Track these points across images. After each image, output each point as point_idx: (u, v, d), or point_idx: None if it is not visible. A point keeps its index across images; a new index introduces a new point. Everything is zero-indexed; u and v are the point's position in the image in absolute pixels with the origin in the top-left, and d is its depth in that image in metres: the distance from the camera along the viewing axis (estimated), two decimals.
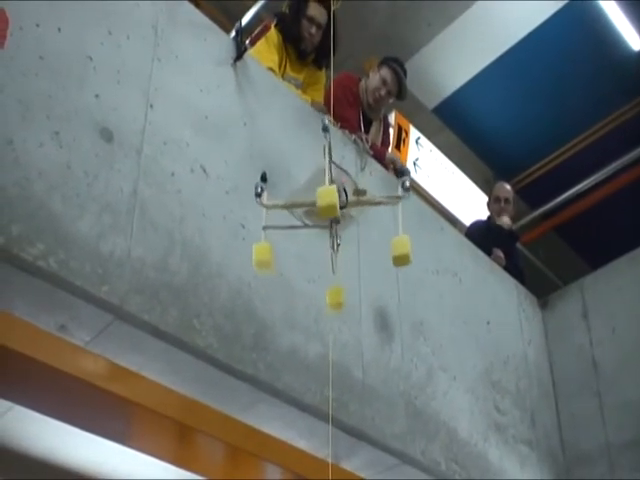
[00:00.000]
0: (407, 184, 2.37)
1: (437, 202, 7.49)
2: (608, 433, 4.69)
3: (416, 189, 6.81)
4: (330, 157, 2.32)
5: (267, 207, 2.47)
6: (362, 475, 3.68)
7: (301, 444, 3.41)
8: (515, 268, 5.54)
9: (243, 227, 3.24)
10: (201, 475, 3.51)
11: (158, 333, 2.78)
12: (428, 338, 4.08)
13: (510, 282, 5.20)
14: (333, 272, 2.48)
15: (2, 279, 2.49)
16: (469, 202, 7.86)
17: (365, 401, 3.51)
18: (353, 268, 3.65)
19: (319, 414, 3.23)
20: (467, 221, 7.07)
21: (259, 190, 2.44)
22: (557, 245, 8.88)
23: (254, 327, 3.10)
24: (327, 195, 2.20)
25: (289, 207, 2.43)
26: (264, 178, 2.49)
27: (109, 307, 2.65)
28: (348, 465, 3.60)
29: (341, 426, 3.34)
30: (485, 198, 6.66)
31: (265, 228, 2.46)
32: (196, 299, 2.92)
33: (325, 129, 2.34)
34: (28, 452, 3.43)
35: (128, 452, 3.33)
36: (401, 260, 2.28)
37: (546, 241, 8.53)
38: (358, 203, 2.45)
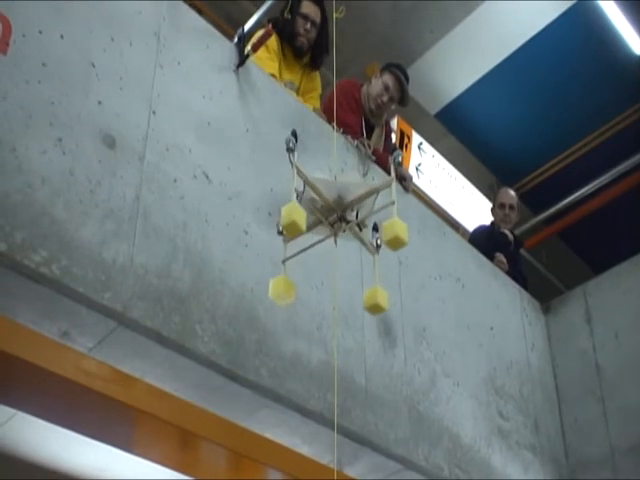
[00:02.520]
0: (399, 159, 2.38)
1: (440, 207, 7.48)
2: (612, 438, 4.69)
3: (419, 194, 6.81)
4: (302, 176, 2.31)
5: (289, 240, 2.46)
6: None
7: (304, 450, 3.41)
8: (518, 273, 5.54)
9: (246, 233, 3.24)
10: None
11: (161, 339, 2.78)
12: (431, 343, 4.08)
13: (513, 287, 5.20)
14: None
15: (5, 286, 2.50)
16: (472, 207, 7.86)
17: (368, 407, 3.51)
18: (355, 274, 3.65)
19: (322, 420, 3.23)
20: (470, 226, 7.07)
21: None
22: (560, 250, 8.87)
23: (257, 333, 3.10)
24: (290, 212, 2.18)
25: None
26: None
27: (112, 313, 2.65)
28: (351, 471, 3.60)
29: (344, 432, 3.34)
30: (488, 203, 6.67)
31: (285, 261, 2.47)
32: (199, 305, 2.93)
33: (289, 149, 2.35)
34: (31, 459, 3.43)
35: (131, 458, 3.32)
36: (395, 242, 2.26)
37: (549, 246, 8.52)
38: (357, 200, 2.44)
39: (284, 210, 2.17)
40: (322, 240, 2.40)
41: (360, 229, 2.50)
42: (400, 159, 2.38)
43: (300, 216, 2.17)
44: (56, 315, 2.63)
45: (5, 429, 3.20)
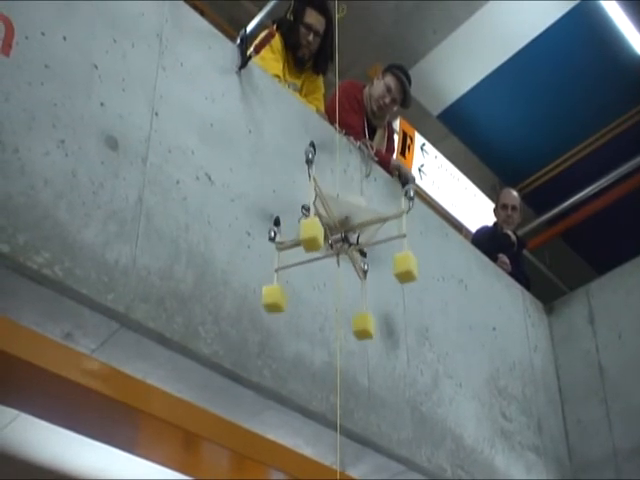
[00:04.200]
0: (411, 193, 2.37)
1: (442, 208, 7.48)
2: (615, 439, 4.68)
3: (421, 196, 6.81)
4: (317, 190, 2.30)
5: (282, 249, 2.47)
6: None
7: (307, 451, 3.41)
8: (521, 274, 5.54)
9: (249, 235, 3.24)
10: None
11: (164, 341, 2.78)
12: (434, 345, 4.07)
13: (516, 288, 5.20)
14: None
15: (8, 287, 2.50)
16: (474, 208, 7.85)
17: (371, 408, 3.51)
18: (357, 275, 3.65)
19: (325, 421, 3.23)
20: (473, 227, 7.07)
21: (272, 235, 2.45)
22: (563, 251, 8.87)
23: (260, 335, 3.11)
24: (310, 228, 2.19)
25: (297, 244, 2.41)
26: (277, 222, 2.49)
27: (115, 315, 2.65)
28: (354, 472, 3.60)
29: (347, 433, 3.34)
30: (491, 204, 6.67)
31: (277, 270, 2.46)
32: (201, 307, 2.93)
33: (309, 161, 2.34)
34: (33, 459, 3.43)
35: (133, 459, 3.32)
36: (405, 276, 2.29)
37: (552, 247, 8.52)
38: (364, 224, 2.44)
39: (304, 225, 2.16)
40: (320, 258, 2.39)
41: (362, 254, 2.52)
42: (412, 193, 2.38)
43: (319, 232, 2.17)
44: (59, 316, 2.64)
45: (8, 430, 3.20)
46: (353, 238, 2.43)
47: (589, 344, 5.06)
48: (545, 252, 8.39)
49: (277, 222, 2.52)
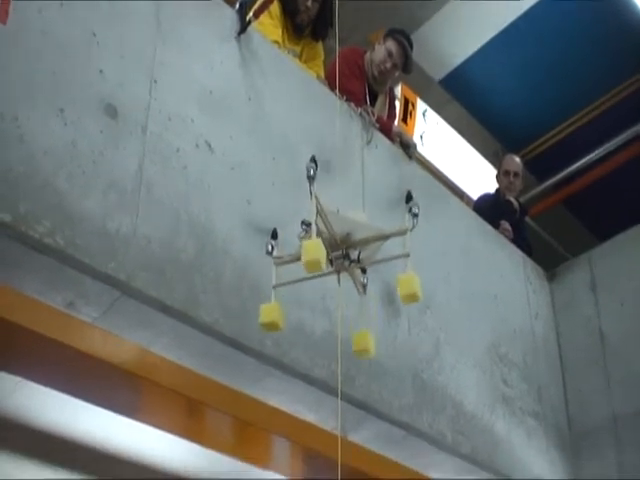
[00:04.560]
0: (415, 210, 2.35)
1: (444, 175, 7.46)
2: (615, 405, 4.71)
3: (423, 162, 6.78)
4: (318, 207, 2.27)
5: (280, 264, 2.46)
6: (370, 447, 3.70)
7: (309, 417, 3.43)
8: (523, 241, 5.53)
9: (249, 203, 3.24)
10: (210, 448, 3.53)
11: (165, 309, 2.79)
12: (435, 312, 4.08)
13: (517, 255, 5.20)
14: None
15: (10, 256, 2.51)
16: (476, 175, 7.82)
17: (372, 375, 3.53)
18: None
19: (327, 388, 3.25)
20: (474, 195, 7.05)
21: (269, 248, 2.43)
22: (565, 218, 8.84)
23: (260, 303, 3.11)
24: (313, 250, 2.13)
25: (296, 259, 2.39)
26: (275, 235, 2.47)
27: (116, 283, 2.66)
28: (356, 437, 3.63)
29: (348, 399, 3.36)
30: (493, 171, 6.64)
31: (275, 287, 2.46)
32: (202, 275, 2.93)
33: (310, 177, 2.30)
34: (38, 426, 3.46)
35: (136, 426, 3.35)
36: (410, 299, 2.29)
37: (554, 214, 8.50)
38: (367, 241, 2.42)
39: (306, 246, 2.13)
40: (320, 276, 2.38)
41: (363, 271, 2.51)
42: (417, 210, 2.36)
43: (322, 254, 2.13)
44: (61, 285, 2.65)
45: (15, 397, 3.22)
46: (354, 254, 2.41)
47: (590, 311, 5.07)
48: (547, 219, 8.36)
49: (275, 235, 2.50)
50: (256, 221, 3.22)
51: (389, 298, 3.78)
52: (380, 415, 3.55)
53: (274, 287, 2.47)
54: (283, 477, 3.82)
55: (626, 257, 5.07)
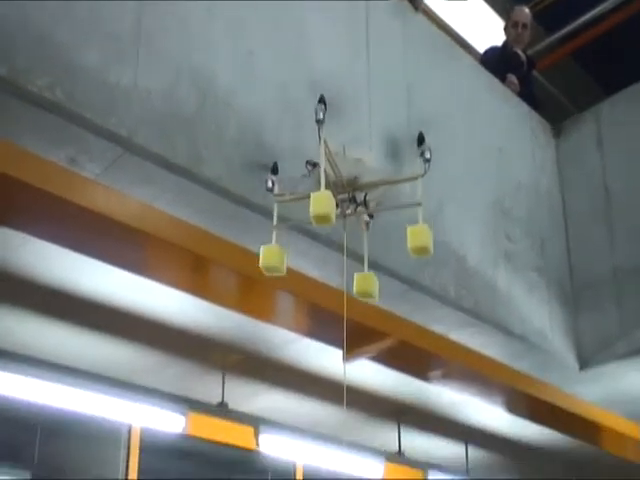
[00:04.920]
0: (427, 155, 2.24)
1: (450, 28, 7.25)
2: (617, 259, 4.74)
3: (428, 14, 6.57)
4: (326, 152, 2.16)
5: (281, 202, 2.36)
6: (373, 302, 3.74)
7: (314, 273, 3.46)
8: (529, 95, 5.43)
9: (252, 54, 3.15)
10: (216, 304, 3.58)
11: (168, 165, 2.77)
12: (439, 168, 4.04)
13: (524, 109, 5.11)
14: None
15: (10, 112, 2.46)
16: (484, 27, 7.60)
17: (376, 231, 3.52)
18: (363, 96, 3.59)
19: (332, 244, 3.26)
20: (481, 48, 6.87)
21: (270, 185, 2.33)
22: (573, 71, 8.67)
23: (264, 158, 3.08)
24: (322, 202, 2.05)
25: (299, 199, 2.30)
26: (275, 170, 2.37)
27: (118, 139, 2.63)
28: None
29: (353, 255, 3.37)
30: (501, 23, 6.45)
31: (276, 228, 2.37)
32: (204, 130, 2.89)
33: (319, 121, 2.18)
34: (44, 282, 3.50)
35: (144, 282, 3.39)
36: (420, 251, 2.21)
37: (562, 67, 8.32)
38: (375, 184, 2.32)
39: (314, 199, 2.03)
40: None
41: (370, 216, 2.42)
42: (429, 155, 2.25)
43: (331, 207, 2.05)
44: (62, 141, 2.62)
45: (20, 253, 3.25)
46: (360, 197, 2.33)
47: (596, 166, 5.03)
48: (555, 73, 8.19)
49: (275, 170, 2.39)
50: (259, 72, 3.15)
51: (393, 151, 3.74)
52: (384, 270, 3.56)
53: (275, 227, 2.40)
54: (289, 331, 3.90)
55: (635, 111, 4.98)
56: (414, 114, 3.95)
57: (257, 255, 3.26)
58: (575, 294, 4.84)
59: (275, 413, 5.21)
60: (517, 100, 5.09)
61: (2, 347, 4.02)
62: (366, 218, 2.48)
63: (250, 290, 3.47)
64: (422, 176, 2.27)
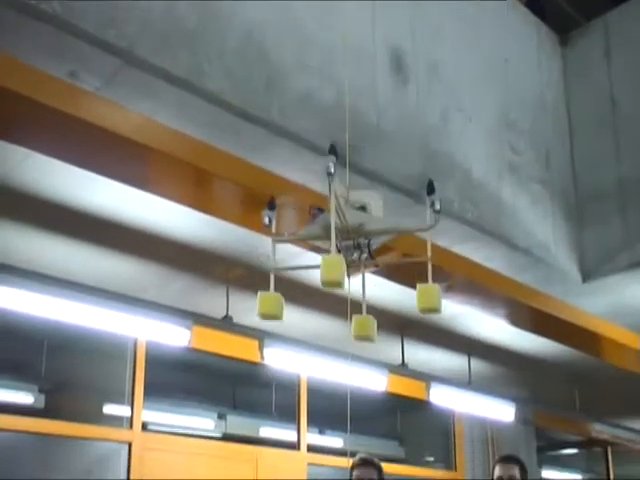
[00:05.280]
0: (437, 206, 2.18)
1: None
2: (622, 170, 4.71)
3: None
4: (336, 203, 2.10)
5: (279, 242, 2.31)
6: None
7: (316, 186, 3.44)
8: (536, 4, 5.32)
9: None
10: (219, 218, 3.58)
11: (169, 78, 2.73)
12: (444, 79, 3.99)
13: (530, 19, 5.01)
14: None
15: (7, 24, 2.41)
16: None
17: (380, 144, 3.50)
18: (366, 8, 3.51)
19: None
20: None
21: (267, 221, 2.26)
22: None
23: (266, 71, 3.03)
24: (333, 268, 2.00)
25: (298, 239, 2.25)
26: (272, 206, 2.30)
27: (118, 51, 2.58)
28: None
29: (356, 169, 3.35)
30: None
31: (275, 270, 2.38)
32: (206, 42, 2.84)
33: (329, 174, 2.11)
34: (48, 198, 3.49)
35: (147, 197, 3.38)
36: (429, 312, 2.19)
37: None
38: (384, 232, 2.28)
39: (325, 263, 2.00)
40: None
41: (372, 258, 2.38)
42: (439, 206, 2.19)
43: (342, 273, 2.02)
44: (62, 55, 2.57)
45: (22, 168, 3.23)
46: (364, 241, 2.29)
47: (603, 77, 4.95)
48: None
49: (272, 206, 2.33)
50: None
51: (397, 65, 3.68)
52: (387, 183, 3.55)
53: (273, 270, 2.36)
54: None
55: None
56: (419, 27, 3.87)
57: (259, 168, 3.26)
58: (579, 206, 4.82)
59: (279, 326, 5.27)
60: (524, 10, 4.98)
61: (7, 263, 4.04)
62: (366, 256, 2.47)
63: (252, 204, 3.45)
64: (431, 228, 2.25)
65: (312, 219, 2.31)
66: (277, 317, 2.35)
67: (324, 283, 2.06)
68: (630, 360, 5.71)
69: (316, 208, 2.28)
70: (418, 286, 2.20)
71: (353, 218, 2.29)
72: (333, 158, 2.22)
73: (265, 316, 2.37)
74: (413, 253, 3.92)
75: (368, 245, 2.38)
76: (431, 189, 2.38)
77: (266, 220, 2.36)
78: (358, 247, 2.37)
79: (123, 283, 4.47)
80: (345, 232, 2.26)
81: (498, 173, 4.25)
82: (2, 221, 3.74)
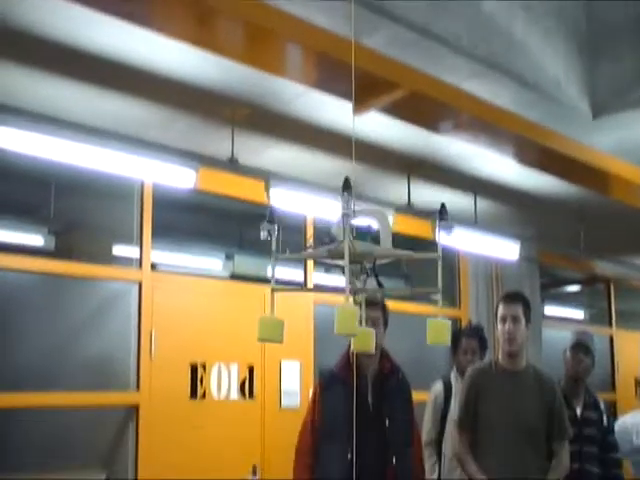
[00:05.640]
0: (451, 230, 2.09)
1: None
2: (638, 5, 4.54)
3: None
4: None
5: (282, 259, 2.20)
6: (383, 51, 3.64)
7: (321, 21, 3.34)
8: None
9: None
10: (223, 56, 3.49)
11: None
12: None
13: None
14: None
15: None
16: None
17: None
18: None
19: None
20: None
21: (266, 235, 2.11)
22: None
23: None
24: (346, 319, 1.99)
25: (299, 258, 2.16)
26: (271, 219, 2.15)
27: None
28: (369, 42, 3.55)
29: (363, 3, 3.24)
30: None
31: (274, 290, 2.30)
32: None
33: (345, 215, 2.10)
34: (51, 38, 3.40)
35: (150, 36, 3.29)
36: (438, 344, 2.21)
37: None
38: (393, 256, 2.31)
39: (340, 313, 1.99)
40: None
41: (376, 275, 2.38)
42: (451, 229, 2.24)
43: (355, 324, 2.03)
44: None
45: (24, 7, 3.14)
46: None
47: None
48: None
49: (271, 219, 2.19)
50: None
51: None
52: (394, 18, 3.45)
53: (273, 290, 2.32)
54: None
55: None
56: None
57: (263, 4, 3.15)
58: (592, 41, 4.68)
59: (285, 167, 5.26)
60: None
61: (11, 104, 4.00)
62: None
63: (257, 41, 3.36)
64: (439, 258, 2.22)
65: (322, 245, 2.28)
66: (277, 341, 2.36)
67: (338, 333, 2.08)
68: (637, 197, 5.71)
69: (329, 236, 2.23)
70: (428, 321, 2.26)
71: (362, 248, 2.31)
72: (349, 196, 2.17)
73: (265, 341, 2.40)
74: (420, 90, 3.86)
75: (373, 268, 2.42)
76: (443, 212, 2.38)
77: (265, 234, 2.29)
78: (365, 270, 2.41)
79: (127, 124, 4.43)
80: (352, 255, 2.25)
81: (510, 6, 4.10)
82: (4, 62, 3.66)
